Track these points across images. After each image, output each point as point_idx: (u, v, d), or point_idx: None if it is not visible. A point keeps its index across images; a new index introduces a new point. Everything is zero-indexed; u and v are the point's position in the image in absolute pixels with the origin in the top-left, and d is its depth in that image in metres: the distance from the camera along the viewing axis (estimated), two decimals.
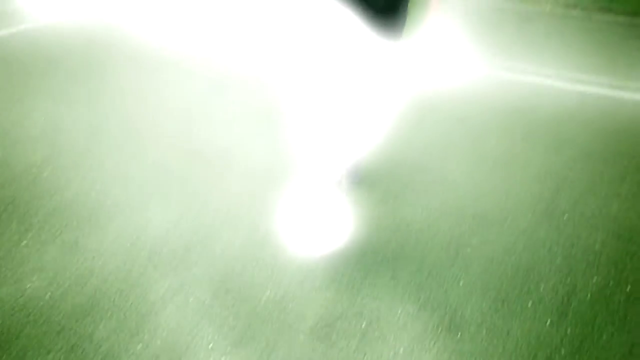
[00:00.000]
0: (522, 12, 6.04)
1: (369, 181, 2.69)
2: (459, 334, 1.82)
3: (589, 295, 2.00)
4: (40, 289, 1.96)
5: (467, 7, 6.16)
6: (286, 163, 2.79)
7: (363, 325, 1.84)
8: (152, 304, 1.91)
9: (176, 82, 3.75)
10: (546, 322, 1.88)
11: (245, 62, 4.19)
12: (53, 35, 4.58)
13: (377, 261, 2.15)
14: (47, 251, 2.15)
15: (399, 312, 1.91)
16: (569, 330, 1.84)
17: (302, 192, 2.58)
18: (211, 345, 1.75)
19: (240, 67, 4.07)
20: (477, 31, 5.21)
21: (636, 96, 3.84)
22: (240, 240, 2.25)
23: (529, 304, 1.95)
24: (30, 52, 4.18)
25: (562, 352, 1.76)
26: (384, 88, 2.33)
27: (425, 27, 2.25)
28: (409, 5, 2.20)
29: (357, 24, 2.15)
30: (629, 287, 2.04)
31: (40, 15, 5.11)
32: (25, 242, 2.20)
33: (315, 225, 2.36)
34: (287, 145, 2.98)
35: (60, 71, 3.85)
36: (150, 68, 3.96)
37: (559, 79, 4.09)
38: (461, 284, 2.04)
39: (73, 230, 2.27)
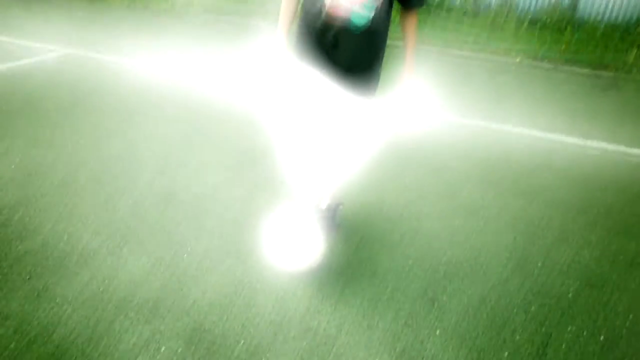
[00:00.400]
0: (493, 63, 6.31)
1: (345, 229, 2.70)
2: None
3: (564, 345, 2.02)
4: (4, 338, 1.88)
5: (438, 58, 6.41)
6: (262, 209, 2.79)
7: None
8: (122, 354, 1.85)
9: (155, 126, 3.76)
10: None
11: (226, 106, 4.24)
12: (34, 74, 4.58)
13: (352, 310, 2.14)
14: (14, 298, 2.08)
15: None
16: None
17: (277, 240, 2.57)
18: None
19: (221, 111, 4.11)
20: (449, 81, 5.41)
21: (602, 145, 4.01)
22: (213, 290, 2.21)
23: (505, 355, 1.95)
24: (9, 92, 4.16)
25: None
26: (357, 140, 2.38)
27: (401, 80, 2.31)
28: (382, 60, 2.26)
29: (327, 82, 2.21)
30: (602, 336, 2.07)
31: (22, 54, 5.11)
32: None
33: (290, 273, 2.34)
34: (264, 191, 2.99)
35: (38, 112, 3.82)
36: (130, 111, 3.97)
37: (528, 128, 4.24)
38: (437, 333, 2.04)
39: (42, 276, 2.20)
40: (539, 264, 2.52)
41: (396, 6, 2.14)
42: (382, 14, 2.06)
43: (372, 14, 2.03)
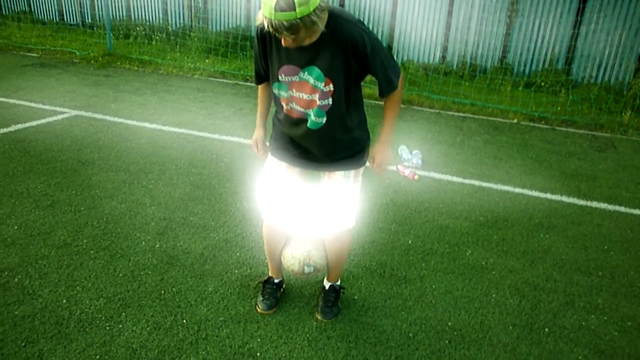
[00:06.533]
0: (491, 124, 6.44)
1: (346, 293, 2.66)
2: None
3: None
4: None
5: (438, 119, 6.56)
6: (264, 272, 2.76)
7: None
8: None
9: (158, 186, 3.80)
10: None
11: (229, 166, 4.30)
12: (44, 136, 4.68)
13: None
14: None
15: None
16: None
17: (278, 305, 2.53)
18: None
19: (223, 171, 4.16)
20: (449, 141, 5.51)
21: (602, 205, 4.02)
22: (213, 358, 2.15)
23: None
24: (19, 152, 4.24)
25: None
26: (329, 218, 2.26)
27: (375, 153, 2.23)
28: (355, 141, 2.17)
29: (295, 172, 2.25)
30: None
31: (34, 115, 5.25)
32: None
33: (292, 339, 2.29)
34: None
35: (46, 173, 3.88)
36: (134, 171, 4.03)
37: (527, 188, 4.27)
38: None
39: (38, 343, 2.15)
40: (546, 330, 2.47)
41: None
42: (337, 112, 2.03)
43: (324, 119, 2.02)
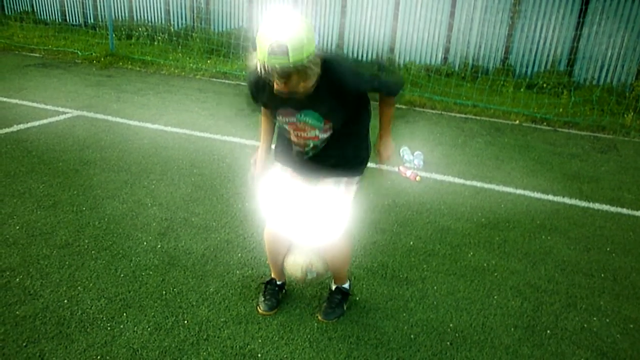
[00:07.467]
0: (493, 125, 6.43)
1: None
2: None
3: None
4: None
5: (439, 120, 6.55)
6: (265, 273, 2.76)
7: None
8: None
9: (159, 187, 3.80)
10: None
11: (231, 167, 4.30)
12: (47, 136, 4.68)
13: None
14: None
15: None
16: None
17: (279, 306, 2.53)
18: None
19: (225, 172, 4.16)
20: (450, 143, 5.51)
21: (604, 207, 4.01)
22: (214, 359, 2.15)
23: None
24: (22, 153, 4.24)
25: None
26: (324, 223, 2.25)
27: (378, 154, 2.30)
28: (355, 155, 2.22)
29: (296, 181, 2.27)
30: None
31: (36, 116, 5.25)
32: None
33: (293, 340, 2.28)
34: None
35: (47, 173, 3.88)
36: (135, 171, 4.03)
37: (530, 190, 4.27)
38: None
39: (39, 343, 2.15)
40: (548, 332, 2.46)
41: None
42: (336, 138, 2.09)
43: (323, 144, 2.10)
